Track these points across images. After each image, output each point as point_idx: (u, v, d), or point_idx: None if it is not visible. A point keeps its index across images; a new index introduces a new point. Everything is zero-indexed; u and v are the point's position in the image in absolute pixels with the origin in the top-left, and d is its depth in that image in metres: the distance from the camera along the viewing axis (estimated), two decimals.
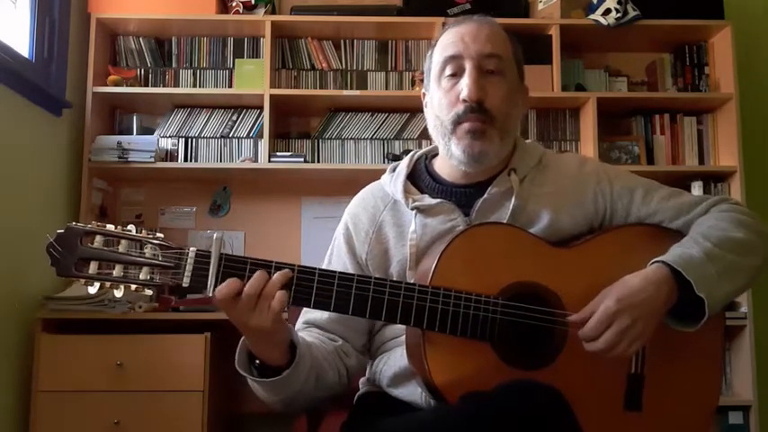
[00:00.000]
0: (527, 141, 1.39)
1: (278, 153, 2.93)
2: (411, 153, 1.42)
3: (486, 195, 1.28)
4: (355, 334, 1.33)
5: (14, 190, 2.41)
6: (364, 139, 3.04)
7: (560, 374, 1.12)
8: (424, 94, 1.38)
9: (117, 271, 1.06)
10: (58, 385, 2.38)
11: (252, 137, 3.01)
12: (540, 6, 3.04)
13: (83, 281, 1.06)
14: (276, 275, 1.08)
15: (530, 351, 1.14)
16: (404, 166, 1.38)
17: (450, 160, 1.30)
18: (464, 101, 1.24)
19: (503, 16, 2.91)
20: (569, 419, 1.00)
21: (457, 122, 1.25)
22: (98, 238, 1.06)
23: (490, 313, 1.12)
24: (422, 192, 1.34)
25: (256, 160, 2.95)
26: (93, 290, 1.07)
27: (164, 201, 3.09)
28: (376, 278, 1.12)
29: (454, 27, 1.31)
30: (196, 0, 2.95)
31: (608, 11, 2.91)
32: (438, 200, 1.30)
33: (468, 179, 1.31)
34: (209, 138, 3.02)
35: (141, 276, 1.06)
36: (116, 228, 1.07)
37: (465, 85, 1.24)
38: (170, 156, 2.99)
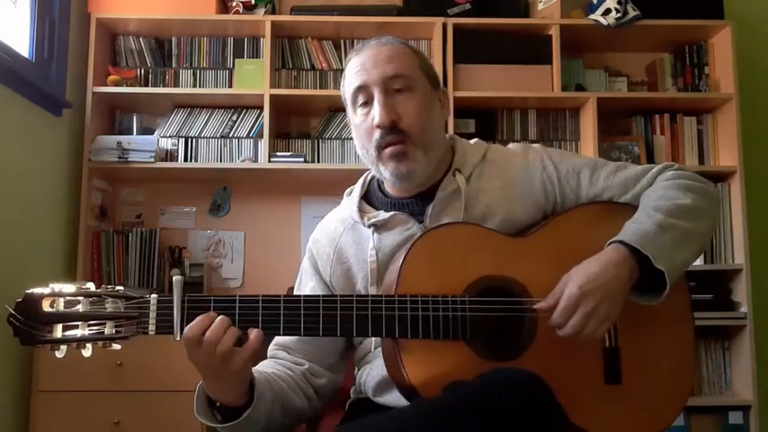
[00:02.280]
0: (471, 141, 1.41)
1: (278, 153, 2.94)
2: (364, 175, 1.45)
3: (435, 200, 1.30)
4: (323, 354, 1.34)
5: (14, 190, 2.41)
6: None
7: (537, 360, 1.14)
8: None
9: (81, 330, 1.04)
10: (57, 385, 2.38)
11: (252, 137, 3.01)
12: (540, 6, 3.03)
13: (49, 346, 1.04)
14: (248, 345, 1.08)
15: (504, 343, 1.15)
16: (357, 187, 1.42)
17: (386, 180, 1.34)
18: (378, 127, 1.27)
19: (503, 16, 2.96)
20: (550, 400, 1.02)
21: (378, 148, 1.28)
22: (58, 300, 1.04)
23: (459, 312, 1.13)
24: (377, 209, 1.36)
25: (256, 160, 2.95)
26: (60, 354, 1.04)
27: (164, 201, 3.09)
28: (342, 296, 1.14)
29: (356, 56, 1.33)
30: (196, 0, 2.95)
31: (608, 11, 2.91)
32: (391, 213, 1.32)
33: (416, 189, 1.34)
34: (209, 138, 3.01)
35: (107, 331, 1.06)
36: (75, 287, 1.06)
37: (376, 112, 1.27)
38: (170, 156, 2.98)
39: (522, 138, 3.04)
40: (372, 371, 1.29)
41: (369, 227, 1.32)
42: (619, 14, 2.89)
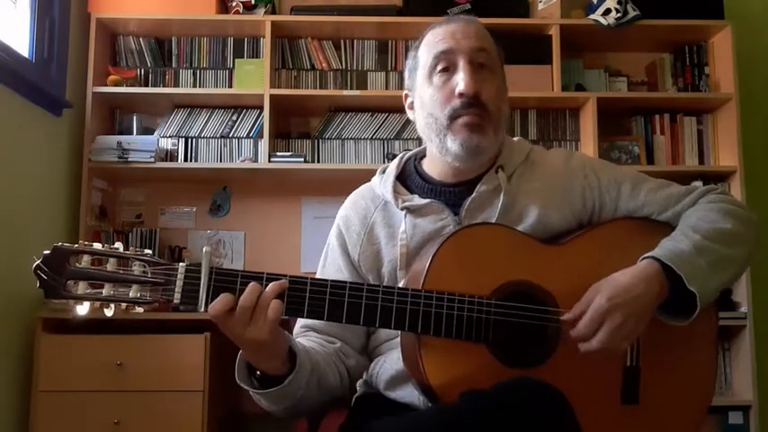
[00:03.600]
0: (514, 138, 1.40)
1: (278, 153, 2.94)
2: (401, 155, 1.42)
3: (474, 194, 1.29)
4: (353, 335, 1.32)
5: (14, 190, 2.41)
6: (364, 139, 3.04)
7: (557, 371, 1.12)
8: (407, 96, 1.39)
9: (106, 290, 1.04)
10: (58, 385, 2.38)
11: (252, 137, 3.01)
12: (540, 6, 3.04)
13: (72, 301, 1.03)
14: (270, 286, 1.07)
15: (525, 350, 1.14)
16: (393, 166, 1.38)
17: (443, 157, 1.30)
18: (460, 95, 1.24)
19: (503, 16, 2.95)
20: (567, 415, 1.01)
21: (453, 117, 1.26)
22: (86, 258, 1.04)
23: (483, 314, 1.12)
24: (411, 192, 1.34)
25: (256, 160, 2.95)
26: (82, 310, 1.04)
27: (164, 201, 3.09)
28: (368, 285, 1.12)
29: (441, 26, 1.32)
30: (196, 0, 2.95)
31: (608, 11, 2.91)
32: (427, 200, 1.30)
33: (458, 178, 1.32)
34: (209, 138, 3.01)
35: (131, 294, 1.04)
36: (103, 246, 1.06)
37: (461, 79, 1.25)
38: (170, 156, 2.98)
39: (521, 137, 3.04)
40: (386, 363, 1.27)
41: (402, 210, 1.30)
42: (619, 14, 2.89)
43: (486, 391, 1.01)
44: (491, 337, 1.12)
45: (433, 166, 1.36)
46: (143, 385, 2.39)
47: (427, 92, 1.29)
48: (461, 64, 1.26)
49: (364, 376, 1.38)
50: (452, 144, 1.26)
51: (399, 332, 1.19)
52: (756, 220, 1.29)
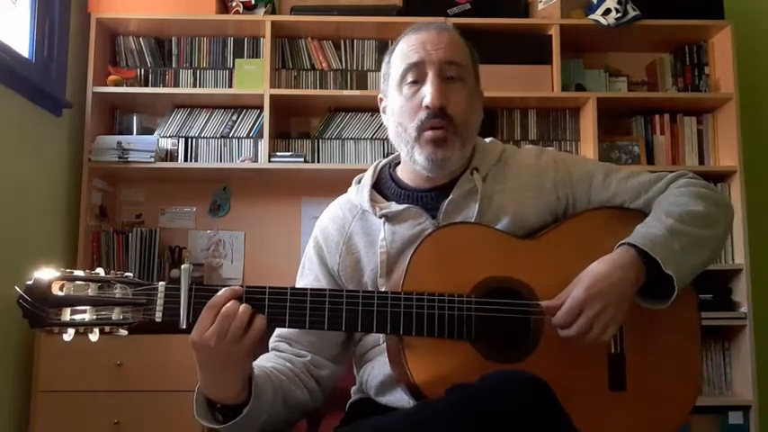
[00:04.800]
0: (486, 140, 1.41)
1: (278, 153, 2.94)
2: (374, 163, 1.44)
3: (451, 196, 1.30)
4: (326, 345, 1.33)
5: (14, 190, 2.41)
6: (364, 139, 3.04)
7: (542, 363, 1.13)
8: (382, 99, 1.40)
9: (89, 315, 1.05)
10: (58, 385, 2.38)
11: (252, 137, 3.01)
12: (540, 6, 3.04)
13: (57, 329, 1.05)
14: (242, 307, 1.07)
15: (509, 344, 1.15)
16: (368, 176, 1.40)
17: (413, 166, 1.31)
18: (427, 107, 1.26)
19: (503, 16, 2.96)
20: (553, 405, 1.01)
21: (420, 129, 1.27)
22: (68, 284, 1.05)
23: (464, 312, 1.13)
24: (388, 199, 1.35)
25: (256, 160, 2.95)
26: (68, 337, 1.06)
27: (164, 201, 3.09)
28: (348, 291, 1.14)
29: (414, 34, 1.32)
30: (196, 0, 2.95)
31: (608, 11, 2.91)
32: (404, 205, 1.31)
33: (432, 183, 1.33)
34: (209, 138, 3.02)
35: (114, 317, 1.06)
36: (85, 271, 1.07)
37: (428, 92, 1.26)
38: (170, 156, 2.98)
39: (522, 138, 3.04)
40: (374, 369, 1.28)
41: (380, 217, 1.31)
42: (619, 14, 2.89)
43: (472, 384, 1.01)
44: (473, 333, 1.13)
45: (408, 173, 1.37)
46: (143, 385, 2.39)
47: (397, 101, 1.31)
48: (430, 76, 1.27)
49: (356, 383, 1.39)
50: (419, 156, 1.28)
51: (385, 337, 1.20)
52: (728, 201, 1.31)
